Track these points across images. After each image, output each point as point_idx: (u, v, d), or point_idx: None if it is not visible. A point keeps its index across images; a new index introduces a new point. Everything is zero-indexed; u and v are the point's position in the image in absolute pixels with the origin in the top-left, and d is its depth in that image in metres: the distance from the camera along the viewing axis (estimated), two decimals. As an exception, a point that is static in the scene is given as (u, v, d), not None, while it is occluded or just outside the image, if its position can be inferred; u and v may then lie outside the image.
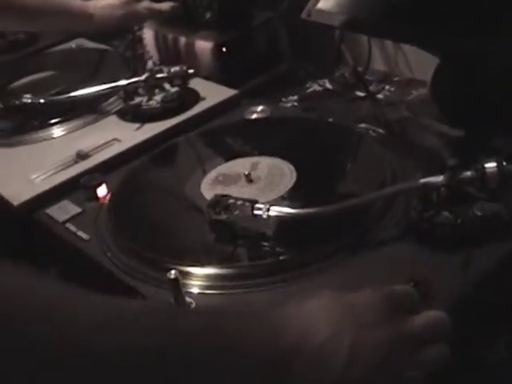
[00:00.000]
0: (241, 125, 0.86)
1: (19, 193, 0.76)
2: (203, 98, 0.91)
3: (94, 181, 0.74)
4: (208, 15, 0.99)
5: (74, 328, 0.39)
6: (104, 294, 0.42)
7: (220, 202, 0.63)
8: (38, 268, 0.65)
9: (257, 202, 0.62)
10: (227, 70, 0.98)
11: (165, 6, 1.00)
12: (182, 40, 1.02)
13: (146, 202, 0.73)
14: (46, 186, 0.77)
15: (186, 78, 0.90)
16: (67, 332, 0.39)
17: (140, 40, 1.10)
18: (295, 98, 0.96)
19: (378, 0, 0.80)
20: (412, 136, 0.79)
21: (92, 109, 0.93)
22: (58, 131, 0.90)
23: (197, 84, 0.93)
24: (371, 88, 0.94)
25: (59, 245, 0.69)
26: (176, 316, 0.44)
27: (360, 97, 0.92)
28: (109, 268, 0.63)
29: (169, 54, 1.05)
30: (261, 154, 0.76)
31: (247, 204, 0.61)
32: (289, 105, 0.94)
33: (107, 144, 0.84)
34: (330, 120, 0.86)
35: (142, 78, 0.90)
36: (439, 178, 0.59)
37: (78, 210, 0.73)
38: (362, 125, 0.83)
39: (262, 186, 0.70)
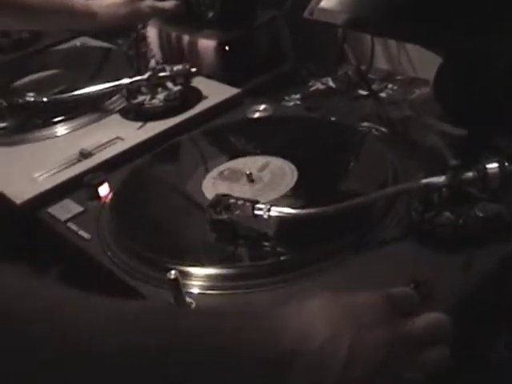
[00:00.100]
0: (243, 124, 0.86)
1: (22, 191, 0.76)
2: (206, 97, 0.91)
3: (96, 179, 0.74)
4: (211, 14, 0.99)
5: (74, 329, 0.40)
6: (104, 294, 0.42)
7: (221, 201, 0.63)
8: (39, 267, 0.66)
9: (258, 202, 0.62)
10: (230, 69, 0.98)
11: (168, 4, 1.00)
12: (186, 38, 1.02)
13: (148, 201, 0.73)
14: (49, 185, 0.77)
15: (188, 76, 0.90)
16: (67, 333, 0.39)
17: (144, 38, 1.10)
18: (298, 96, 0.96)
19: (380, -2, 0.80)
20: (414, 135, 0.79)
21: (95, 107, 0.93)
22: (61, 129, 0.90)
23: (199, 82, 0.93)
24: (374, 87, 0.94)
25: (61, 244, 0.69)
26: (176, 316, 0.44)
27: (363, 95, 0.92)
28: (109, 267, 0.63)
29: (172, 53, 1.05)
30: (263, 153, 0.76)
31: (248, 204, 0.61)
32: (291, 103, 0.94)
33: (110, 142, 0.84)
34: (333, 119, 0.86)
35: (145, 76, 0.90)
36: (441, 179, 0.58)
37: (80, 208, 0.73)
38: (365, 123, 0.83)
39: (263, 186, 0.70)
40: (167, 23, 1.05)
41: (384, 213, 0.63)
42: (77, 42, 1.20)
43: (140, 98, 0.90)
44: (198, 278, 0.59)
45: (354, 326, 0.44)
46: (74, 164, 0.81)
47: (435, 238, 0.58)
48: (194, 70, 0.90)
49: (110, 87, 0.91)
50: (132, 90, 0.90)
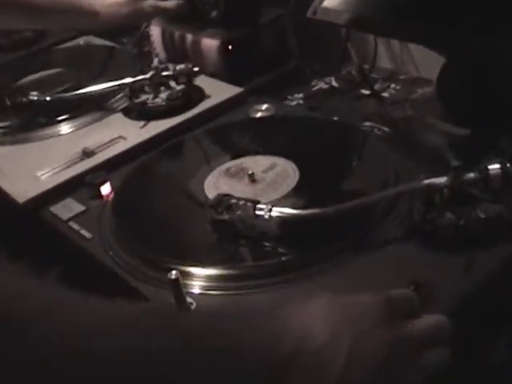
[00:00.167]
0: (245, 123, 0.85)
1: (25, 190, 0.76)
2: (208, 96, 0.91)
3: (98, 179, 0.74)
4: (214, 13, 0.99)
5: (74, 329, 0.40)
6: (105, 294, 0.42)
7: (222, 201, 0.63)
8: (40, 266, 0.66)
9: (259, 202, 0.62)
10: (234, 68, 0.98)
11: (171, 3, 1.00)
12: (189, 37, 1.02)
13: (149, 200, 0.73)
14: (52, 184, 0.77)
15: (191, 76, 0.90)
16: (67, 333, 0.39)
17: (147, 37, 1.10)
18: (301, 95, 0.95)
19: (383, -2, 0.80)
20: (417, 135, 0.79)
21: (98, 106, 0.93)
22: (64, 128, 0.90)
23: (202, 81, 0.93)
24: (377, 86, 0.93)
25: (62, 243, 0.70)
26: (176, 317, 0.44)
27: (365, 95, 0.92)
28: (110, 267, 0.63)
29: (176, 52, 1.05)
30: (264, 153, 0.76)
31: (249, 204, 0.61)
32: (294, 103, 0.94)
33: (113, 141, 0.84)
34: (335, 118, 0.86)
35: (148, 75, 0.90)
36: (442, 179, 0.58)
37: (81, 208, 0.73)
38: (367, 123, 0.83)
39: (265, 186, 0.70)
40: (171, 22, 1.05)
41: (385, 213, 0.63)
42: (81, 41, 1.20)
43: (143, 97, 0.90)
44: (199, 278, 0.59)
45: (354, 328, 0.44)
46: (76, 163, 0.81)
47: (437, 238, 0.58)
48: (196, 69, 0.90)
49: (113, 86, 0.91)
50: (135, 89, 0.90)
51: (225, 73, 0.97)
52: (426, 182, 0.59)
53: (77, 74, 1.04)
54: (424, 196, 0.60)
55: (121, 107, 0.93)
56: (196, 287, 0.59)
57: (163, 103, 0.89)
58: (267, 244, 0.62)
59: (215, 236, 0.64)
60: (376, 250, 0.60)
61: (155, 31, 1.07)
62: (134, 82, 0.90)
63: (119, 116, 0.91)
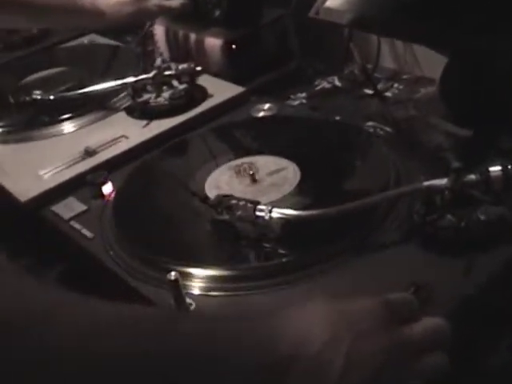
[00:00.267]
0: (247, 123, 0.85)
1: (27, 189, 0.77)
2: (211, 95, 0.91)
3: (100, 178, 0.75)
4: (218, 12, 0.99)
5: (73, 329, 0.40)
6: (105, 294, 0.42)
7: (222, 202, 0.63)
8: (40, 266, 0.67)
9: (259, 203, 0.62)
10: (237, 67, 0.98)
11: (174, 2, 1.00)
12: (192, 37, 1.02)
13: (150, 200, 0.73)
14: (54, 183, 0.77)
15: (193, 75, 0.90)
16: (67, 333, 0.39)
17: (151, 36, 1.10)
18: (304, 95, 0.95)
19: (386, -3, 0.80)
20: (419, 135, 0.79)
21: (102, 105, 0.93)
22: (67, 127, 0.90)
23: (205, 81, 0.93)
24: (380, 86, 0.93)
25: (64, 242, 0.70)
26: (175, 320, 0.44)
27: (368, 94, 0.92)
28: (111, 267, 0.63)
29: (179, 51, 1.05)
30: (266, 152, 0.76)
31: (249, 205, 0.61)
32: (297, 102, 0.94)
33: (115, 141, 0.84)
34: (337, 118, 0.85)
35: (150, 75, 0.90)
36: (443, 181, 0.58)
37: (83, 207, 0.73)
38: (370, 123, 0.83)
39: (265, 186, 0.70)
40: (174, 21, 1.05)
41: (386, 215, 0.63)
42: (85, 40, 1.20)
43: (145, 97, 0.90)
44: (199, 278, 0.59)
45: (352, 332, 0.43)
46: (78, 162, 0.81)
47: (437, 240, 0.58)
48: (198, 68, 0.90)
49: (116, 85, 0.91)
50: (137, 89, 0.90)
51: (228, 72, 0.97)
52: (427, 183, 0.59)
53: (81, 72, 1.04)
54: (424, 197, 0.59)
55: (124, 106, 0.93)
56: (196, 288, 0.59)
57: (166, 102, 0.89)
58: (267, 245, 0.62)
59: (215, 237, 0.64)
60: (376, 252, 0.60)
61: (159, 30, 1.07)
62: (136, 81, 0.90)
63: (122, 115, 0.91)
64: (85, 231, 0.69)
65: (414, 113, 0.84)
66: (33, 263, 0.67)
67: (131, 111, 0.91)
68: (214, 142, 0.83)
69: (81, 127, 0.90)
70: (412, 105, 0.86)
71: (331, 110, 0.89)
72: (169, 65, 0.91)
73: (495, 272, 0.56)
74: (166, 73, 0.90)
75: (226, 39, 0.97)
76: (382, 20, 0.79)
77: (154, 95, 0.90)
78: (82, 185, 0.75)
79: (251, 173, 0.71)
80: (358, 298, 0.46)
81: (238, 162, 0.75)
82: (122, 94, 0.94)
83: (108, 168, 0.77)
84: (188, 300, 0.56)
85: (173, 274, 0.54)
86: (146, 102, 0.89)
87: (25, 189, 0.77)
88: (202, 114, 0.88)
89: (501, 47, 0.69)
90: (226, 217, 0.62)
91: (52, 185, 0.77)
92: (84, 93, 0.92)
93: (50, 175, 0.79)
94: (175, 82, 0.90)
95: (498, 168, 0.57)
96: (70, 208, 0.73)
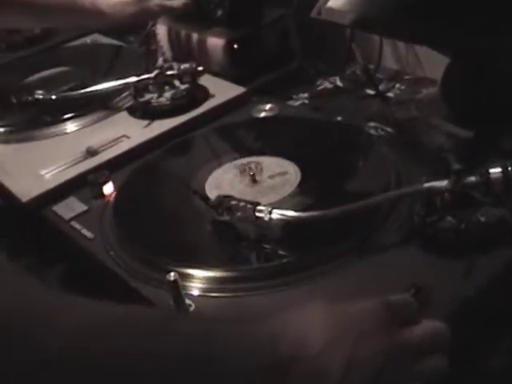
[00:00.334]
0: (248, 123, 0.85)
1: (28, 189, 0.77)
2: (213, 96, 0.91)
3: (101, 178, 0.75)
4: (220, 12, 0.99)
5: (74, 329, 0.40)
6: (105, 294, 0.42)
7: (222, 202, 0.63)
8: (41, 266, 0.67)
9: (259, 204, 0.61)
10: (239, 67, 0.98)
11: (176, 2, 1.00)
12: (194, 36, 1.02)
13: (151, 200, 0.73)
14: (55, 183, 0.77)
15: (195, 75, 0.90)
16: (67, 333, 0.39)
17: (154, 36, 1.10)
18: (305, 95, 0.95)
19: (388, -2, 0.80)
20: (421, 136, 0.79)
21: (104, 105, 0.93)
22: (69, 127, 0.90)
23: (206, 81, 0.93)
24: (382, 86, 0.93)
25: (64, 243, 0.70)
26: (175, 322, 0.44)
27: (370, 95, 0.92)
28: (111, 267, 0.63)
29: (181, 50, 1.05)
30: (267, 153, 0.76)
31: (249, 206, 0.61)
32: (299, 102, 0.94)
33: (117, 140, 0.84)
34: (339, 118, 0.85)
35: (152, 75, 0.90)
36: (443, 183, 0.58)
37: (84, 207, 0.73)
38: (371, 123, 0.83)
39: (266, 187, 0.70)
40: (177, 21, 1.05)
41: (386, 216, 0.62)
42: (87, 40, 1.20)
43: (147, 96, 0.90)
44: (199, 279, 0.59)
45: (353, 334, 0.43)
46: (80, 162, 0.81)
47: (437, 242, 0.58)
48: (200, 68, 0.90)
49: (118, 85, 0.91)
50: (139, 88, 0.91)
51: (229, 72, 0.97)
52: (427, 185, 0.59)
53: (84, 72, 1.04)
54: (425, 199, 0.59)
55: (126, 106, 0.93)
56: (195, 289, 0.59)
57: (167, 102, 0.89)
58: (267, 246, 0.62)
59: (215, 237, 0.64)
60: (377, 253, 0.60)
61: (161, 30, 1.07)
62: (138, 80, 0.90)
63: (124, 115, 0.92)
64: (85, 231, 0.69)
65: (415, 113, 0.84)
66: (33, 263, 0.68)
67: (133, 111, 0.91)
68: (216, 142, 0.84)
69: (83, 127, 0.90)
70: (414, 105, 0.86)
71: (333, 110, 0.89)
72: (171, 64, 0.91)
73: (495, 274, 0.56)
74: (168, 73, 0.90)
75: (228, 39, 0.97)
76: (384, 20, 0.78)
77: (155, 95, 0.90)
78: (83, 185, 0.76)
79: (252, 173, 0.71)
80: (358, 299, 0.46)
81: (244, 160, 0.75)
82: (124, 94, 0.94)
83: (109, 168, 0.78)
84: (187, 301, 0.56)
85: (172, 274, 0.54)
86: (148, 102, 0.90)
87: (26, 189, 0.77)
88: (203, 114, 0.88)
89: (503, 48, 0.69)
90: (226, 218, 0.62)
91: (53, 185, 0.77)
92: (86, 92, 0.92)
93: (51, 175, 0.79)
94: (177, 82, 0.90)
95: (499, 170, 0.57)
96: (70, 208, 0.73)
